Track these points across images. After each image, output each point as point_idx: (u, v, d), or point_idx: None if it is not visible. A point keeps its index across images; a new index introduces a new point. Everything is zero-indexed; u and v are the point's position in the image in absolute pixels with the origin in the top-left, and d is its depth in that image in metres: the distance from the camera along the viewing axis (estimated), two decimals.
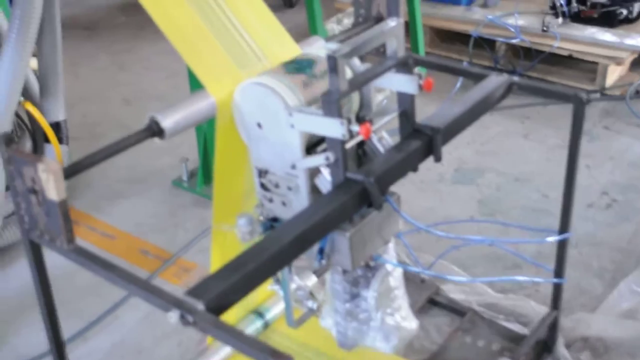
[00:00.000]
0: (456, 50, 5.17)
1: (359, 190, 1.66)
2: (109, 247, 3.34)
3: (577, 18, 4.75)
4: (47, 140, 3.29)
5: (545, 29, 4.66)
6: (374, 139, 1.82)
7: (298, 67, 1.79)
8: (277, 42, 2.02)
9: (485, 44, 4.86)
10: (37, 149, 3.42)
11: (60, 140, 3.35)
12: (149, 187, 3.83)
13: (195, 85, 3.42)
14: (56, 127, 3.34)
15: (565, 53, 4.65)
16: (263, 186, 1.87)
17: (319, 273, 1.89)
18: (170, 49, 1.92)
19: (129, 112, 4.65)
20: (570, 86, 4.67)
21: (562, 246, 2.34)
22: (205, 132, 3.54)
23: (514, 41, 4.72)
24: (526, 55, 4.78)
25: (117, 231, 3.47)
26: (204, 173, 3.72)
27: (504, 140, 4.13)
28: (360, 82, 1.68)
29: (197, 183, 3.75)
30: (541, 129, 4.23)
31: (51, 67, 3.24)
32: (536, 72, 4.80)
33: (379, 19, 2.20)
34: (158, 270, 3.15)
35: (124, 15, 6.37)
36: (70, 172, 1.56)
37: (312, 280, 1.87)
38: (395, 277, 2.00)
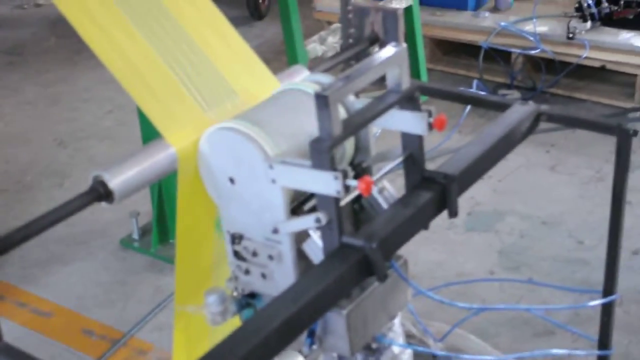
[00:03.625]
0: (463, 65, 5.20)
1: (358, 258, 1.63)
2: (43, 328, 3.29)
3: (609, 21, 4.77)
4: None
5: (570, 35, 4.67)
6: (374, 191, 1.79)
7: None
8: (250, 74, 1.99)
9: (499, 56, 4.86)
10: None
11: None
12: (91, 248, 3.79)
13: (146, 121, 3.39)
14: None
15: (596, 64, 4.67)
16: (237, 255, 1.83)
17: (309, 359, 1.85)
18: (114, 77, 1.88)
19: (64, 156, 4.57)
20: (603, 104, 4.69)
21: (607, 311, 2.31)
22: None
23: (533, 52, 4.73)
24: (549, 68, 4.79)
25: (53, 306, 3.42)
26: (159, 229, 3.68)
27: (526, 175, 4.13)
28: (357, 125, 1.65)
29: (151, 242, 3.71)
30: (571, 159, 4.24)
31: None
32: (561, 88, 4.82)
33: (374, 40, 2.18)
34: (105, 355, 3.10)
35: (54, 36, 6.35)
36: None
37: None
38: None
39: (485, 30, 4.95)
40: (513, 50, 4.83)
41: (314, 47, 3.81)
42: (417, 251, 3.44)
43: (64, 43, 6.13)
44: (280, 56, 4.50)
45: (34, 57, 6.06)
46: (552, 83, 4.80)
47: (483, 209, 3.85)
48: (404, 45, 1.73)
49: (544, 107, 2.09)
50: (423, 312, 2.94)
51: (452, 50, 5.30)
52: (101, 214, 3.94)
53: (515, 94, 4.80)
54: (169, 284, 3.41)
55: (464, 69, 5.15)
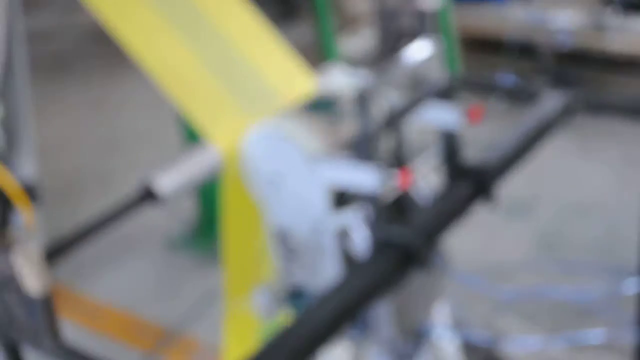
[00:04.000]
0: (488, 57, 5.13)
1: (402, 251, 1.61)
2: (97, 325, 3.29)
3: (637, 10, 4.67)
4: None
5: (597, 26, 4.60)
6: (414, 183, 1.78)
7: (319, 104, 1.76)
8: (289, 72, 1.98)
9: (525, 47, 4.81)
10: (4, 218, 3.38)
11: (33, 203, 3.31)
12: (140, 247, 3.81)
13: (188, 124, 3.40)
14: (28, 186, 3.31)
15: (624, 54, 4.60)
16: (282, 251, 1.82)
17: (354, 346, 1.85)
18: (155, 83, 1.88)
19: (110, 159, 4.59)
20: (630, 94, 4.64)
21: None
22: None
23: (559, 43, 4.67)
24: (575, 59, 4.72)
25: (105, 305, 3.42)
26: (207, 228, 3.68)
27: (558, 161, 4.09)
28: (394, 120, 1.64)
29: (199, 241, 3.72)
30: (602, 144, 4.18)
31: (19, 112, 3.22)
32: (588, 79, 4.75)
33: (407, 36, 2.16)
34: (157, 351, 3.10)
35: (97, 45, 6.37)
36: (52, 255, 1.52)
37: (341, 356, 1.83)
38: (450, 348, 1.95)
39: (511, 21, 4.90)
40: (539, 41, 4.77)
41: (347, 44, 3.79)
42: (454, 239, 3.42)
43: (106, 51, 6.15)
44: (311, 55, 4.46)
45: (77, 65, 6.09)
46: (579, 74, 4.73)
47: (515, 195, 3.81)
48: (438, 40, 1.72)
49: (576, 95, 2.07)
50: (461, 299, 2.93)
51: (477, 42, 5.25)
52: (149, 214, 3.94)
53: (542, 85, 4.75)
54: (218, 281, 3.41)
55: (490, 61, 5.09)
